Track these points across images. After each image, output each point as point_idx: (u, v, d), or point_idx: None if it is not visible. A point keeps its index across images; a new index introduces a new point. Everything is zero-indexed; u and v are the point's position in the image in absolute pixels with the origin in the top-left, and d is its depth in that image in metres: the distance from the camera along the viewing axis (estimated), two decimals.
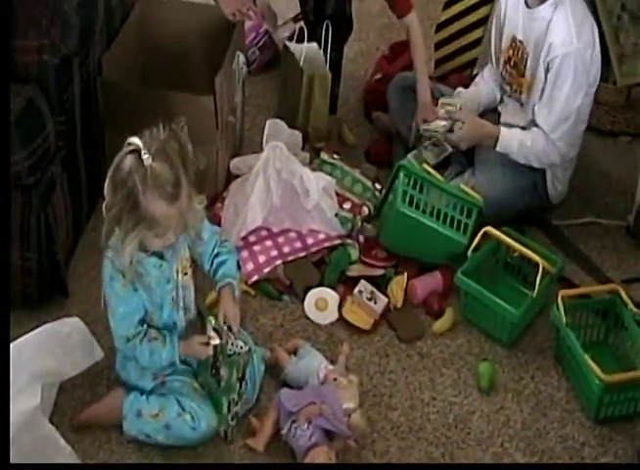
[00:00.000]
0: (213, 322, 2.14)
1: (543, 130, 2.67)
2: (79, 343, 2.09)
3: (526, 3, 2.69)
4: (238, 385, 2.15)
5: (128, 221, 1.97)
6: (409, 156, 2.89)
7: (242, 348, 2.14)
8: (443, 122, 2.82)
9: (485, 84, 2.95)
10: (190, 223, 2.07)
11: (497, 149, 2.74)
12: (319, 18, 3.02)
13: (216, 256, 2.25)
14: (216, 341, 2.12)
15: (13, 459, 1.84)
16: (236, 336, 2.15)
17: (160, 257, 2.11)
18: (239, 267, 2.36)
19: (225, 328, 2.14)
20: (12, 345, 1.95)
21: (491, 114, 2.93)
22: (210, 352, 2.13)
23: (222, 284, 2.22)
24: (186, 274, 2.20)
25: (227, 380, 2.14)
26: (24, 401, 1.87)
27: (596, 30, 2.65)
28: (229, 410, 2.16)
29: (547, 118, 2.66)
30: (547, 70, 2.62)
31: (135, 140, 1.94)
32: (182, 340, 2.15)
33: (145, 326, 2.13)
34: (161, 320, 2.17)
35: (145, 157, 1.92)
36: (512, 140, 2.73)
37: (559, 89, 2.61)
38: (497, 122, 2.85)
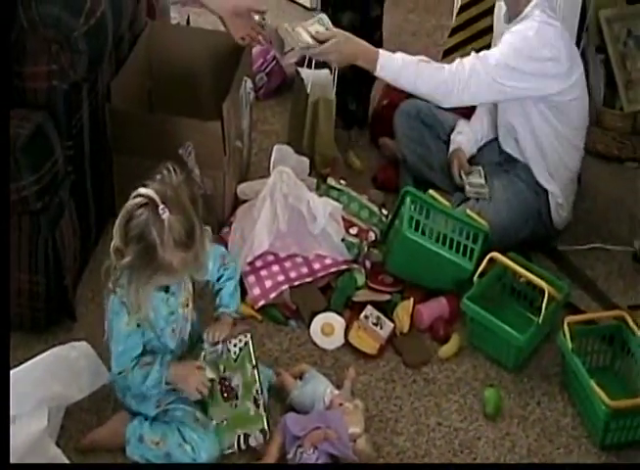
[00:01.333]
0: (205, 346, 2.19)
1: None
2: (86, 367, 2.10)
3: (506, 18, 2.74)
4: (255, 372, 2.18)
5: (144, 272, 1.96)
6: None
7: (241, 340, 2.18)
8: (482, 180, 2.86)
9: (482, 121, 2.96)
10: (202, 261, 2.07)
11: (378, 72, 2.62)
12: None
13: (218, 279, 2.28)
14: (211, 375, 2.15)
15: None
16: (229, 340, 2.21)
17: (166, 290, 2.12)
18: (242, 289, 2.41)
19: (218, 343, 2.20)
20: (20, 368, 1.96)
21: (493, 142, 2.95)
22: (206, 392, 2.15)
23: (218, 314, 2.27)
24: (187, 306, 2.21)
25: (244, 382, 2.17)
26: (32, 425, 1.88)
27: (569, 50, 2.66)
28: (257, 405, 2.17)
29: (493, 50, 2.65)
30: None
31: (149, 193, 1.93)
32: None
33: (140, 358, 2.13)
34: (157, 344, 2.18)
35: (162, 211, 1.91)
36: (394, 61, 2.62)
37: (499, 50, 2.62)
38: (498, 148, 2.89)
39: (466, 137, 2.94)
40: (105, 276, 2.04)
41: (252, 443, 2.16)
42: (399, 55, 2.65)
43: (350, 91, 3.22)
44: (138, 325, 2.09)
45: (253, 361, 2.20)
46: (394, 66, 2.62)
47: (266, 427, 2.17)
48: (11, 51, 2.14)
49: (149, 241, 1.92)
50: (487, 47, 3.23)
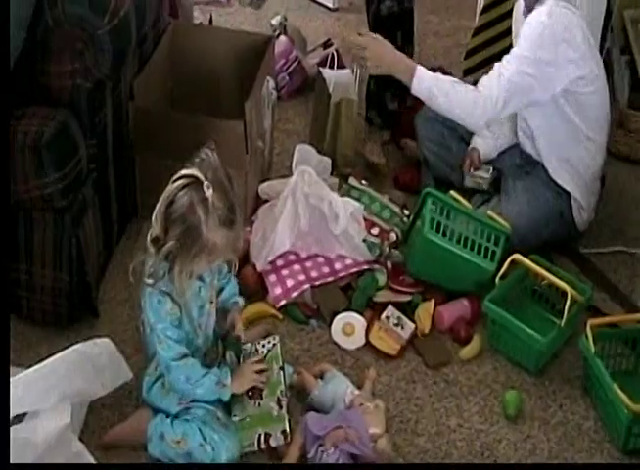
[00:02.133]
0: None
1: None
2: (109, 363, 2.11)
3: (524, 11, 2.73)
4: (281, 374, 2.21)
5: (188, 254, 1.98)
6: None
7: (270, 341, 2.25)
8: (487, 175, 2.88)
9: (502, 126, 2.94)
10: (241, 242, 2.11)
11: (413, 89, 2.64)
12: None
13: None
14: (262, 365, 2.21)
15: None
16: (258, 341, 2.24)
17: (201, 279, 2.14)
18: (263, 288, 2.49)
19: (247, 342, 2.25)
20: (42, 364, 1.97)
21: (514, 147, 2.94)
22: (264, 378, 2.19)
23: (232, 302, 2.29)
24: (212, 302, 2.22)
25: (270, 383, 2.20)
26: (55, 420, 1.88)
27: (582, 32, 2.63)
28: (280, 406, 2.18)
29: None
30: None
31: (193, 172, 1.96)
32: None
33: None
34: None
35: (206, 188, 1.94)
36: (429, 76, 2.63)
37: (517, 46, 2.63)
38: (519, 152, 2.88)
39: (485, 140, 2.93)
40: (133, 275, 2.06)
41: (273, 443, 2.16)
42: (436, 74, 2.67)
43: (389, 89, 3.22)
44: (179, 322, 2.11)
45: (280, 363, 2.22)
46: (430, 83, 2.63)
47: (287, 428, 2.16)
48: (25, 49, 2.14)
49: (193, 221, 1.95)
50: (509, 48, 3.25)
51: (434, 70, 3.34)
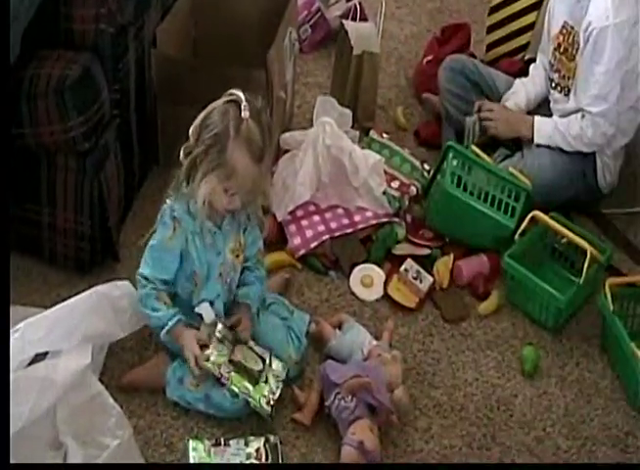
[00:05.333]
0: (220, 327, 2.14)
1: (582, 107, 2.65)
2: (129, 306, 2.12)
3: None
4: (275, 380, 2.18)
5: (209, 163, 1.99)
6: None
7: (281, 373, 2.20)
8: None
9: (538, 78, 2.92)
10: (258, 196, 2.12)
11: (536, 140, 2.75)
12: None
13: (249, 269, 2.26)
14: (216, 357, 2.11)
15: (62, 416, 1.87)
16: (254, 349, 2.19)
17: (217, 226, 2.13)
18: (282, 237, 2.48)
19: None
20: (63, 304, 1.98)
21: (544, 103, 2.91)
22: (193, 365, 2.10)
23: (242, 301, 2.23)
24: (237, 257, 2.21)
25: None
26: (76, 360, 1.90)
27: None
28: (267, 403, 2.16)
29: (585, 92, 2.64)
30: (585, 45, 2.61)
31: (238, 92, 2.00)
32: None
33: (164, 288, 2.13)
34: (206, 292, 2.18)
35: (245, 110, 1.97)
36: (547, 125, 2.74)
37: (595, 64, 2.59)
38: (549, 109, 2.84)
39: (518, 96, 2.90)
40: (174, 186, 2.08)
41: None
42: (549, 121, 2.76)
43: None
44: (182, 253, 2.12)
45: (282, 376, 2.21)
46: (547, 130, 2.74)
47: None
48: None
49: (222, 132, 1.97)
50: (536, 4, 3.22)
51: (457, 27, 3.36)
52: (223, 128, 1.97)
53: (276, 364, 2.20)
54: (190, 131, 2.02)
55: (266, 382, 2.16)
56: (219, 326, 2.14)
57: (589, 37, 2.58)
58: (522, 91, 2.90)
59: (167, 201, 2.10)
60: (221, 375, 2.09)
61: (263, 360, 2.19)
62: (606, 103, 2.62)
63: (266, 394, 2.14)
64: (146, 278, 2.12)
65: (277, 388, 2.17)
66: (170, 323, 2.10)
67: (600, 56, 2.57)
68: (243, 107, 1.97)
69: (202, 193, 2.02)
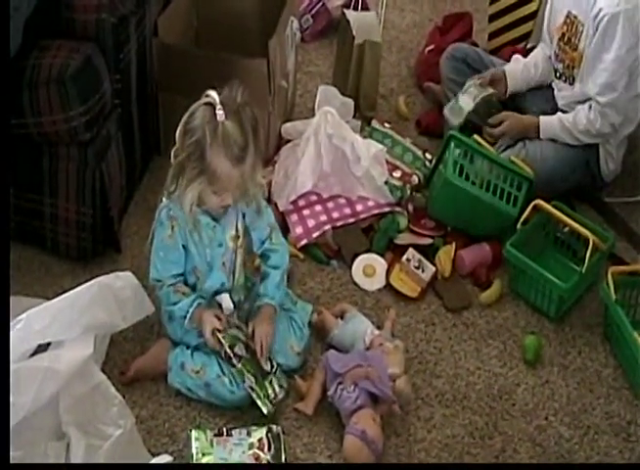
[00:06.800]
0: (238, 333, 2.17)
1: (591, 97, 2.65)
2: (131, 297, 2.12)
3: None
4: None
5: (192, 170, 2.00)
6: (445, 110, 2.86)
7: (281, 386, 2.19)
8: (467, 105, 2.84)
9: (539, 60, 2.91)
10: (250, 192, 2.11)
11: (542, 137, 2.74)
12: None
13: (263, 256, 2.27)
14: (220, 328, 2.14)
15: (64, 406, 1.88)
16: (265, 359, 2.19)
17: (215, 219, 2.14)
18: (284, 227, 2.44)
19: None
20: (66, 295, 1.98)
21: (547, 89, 2.90)
22: (213, 345, 2.14)
23: (261, 303, 2.23)
24: (238, 239, 2.20)
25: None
26: (78, 350, 1.90)
27: None
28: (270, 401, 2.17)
29: (595, 81, 2.63)
30: (594, 33, 2.60)
31: (213, 94, 1.98)
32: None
33: (179, 279, 2.17)
34: (210, 283, 2.19)
35: (219, 113, 1.95)
36: (552, 122, 2.73)
37: (606, 51, 2.58)
38: (552, 97, 2.84)
39: (516, 66, 2.90)
40: (167, 185, 2.09)
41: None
42: (554, 118, 2.75)
43: None
44: (184, 246, 2.13)
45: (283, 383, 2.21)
46: (553, 128, 2.74)
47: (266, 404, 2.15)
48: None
49: (199, 137, 1.96)
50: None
51: (458, 16, 3.34)
52: (201, 134, 1.96)
53: (281, 375, 2.21)
54: (176, 135, 2.02)
55: (270, 384, 2.17)
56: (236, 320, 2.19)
57: (599, 24, 2.56)
58: (519, 65, 2.91)
59: (163, 199, 2.11)
60: (234, 354, 2.11)
61: (272, 366, 2.20)
62: (615, 91, 2.61)
63: (270, 393, 2.15)
64: (158, 280, 2.16)
65: (279, 393, 2.17)
66: (190, 310, 2.14)
67: (610, 43, 2.56)
68: (217, 109, 1.95)
69: (188, 200, 2.04)
